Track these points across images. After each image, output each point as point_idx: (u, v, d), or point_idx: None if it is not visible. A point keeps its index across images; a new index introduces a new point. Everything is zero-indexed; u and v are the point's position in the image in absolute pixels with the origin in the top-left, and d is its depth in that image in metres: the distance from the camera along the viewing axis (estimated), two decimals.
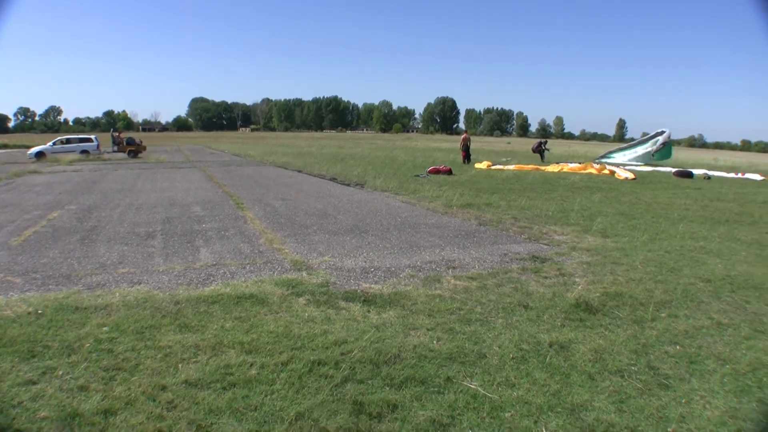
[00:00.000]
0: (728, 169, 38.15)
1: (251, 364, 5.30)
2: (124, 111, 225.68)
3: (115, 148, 46.73)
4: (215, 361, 5.36)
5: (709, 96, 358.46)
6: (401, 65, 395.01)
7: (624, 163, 40.39)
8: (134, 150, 45.52)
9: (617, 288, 8.02)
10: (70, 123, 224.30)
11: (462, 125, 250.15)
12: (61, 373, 5.07)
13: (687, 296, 7.75)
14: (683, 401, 4.76)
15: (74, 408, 4.43)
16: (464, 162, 36.27)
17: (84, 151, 44.33)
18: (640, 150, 41.83)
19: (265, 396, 4.69)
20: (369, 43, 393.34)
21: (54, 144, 45.47)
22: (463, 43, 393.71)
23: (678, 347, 5.96)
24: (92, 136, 48.88)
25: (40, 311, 6.67)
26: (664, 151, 40.42)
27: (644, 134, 41.72)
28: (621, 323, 6.66)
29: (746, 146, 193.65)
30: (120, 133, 51.59)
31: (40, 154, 42.35)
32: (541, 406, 4.60)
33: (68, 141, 46.81)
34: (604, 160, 40.97)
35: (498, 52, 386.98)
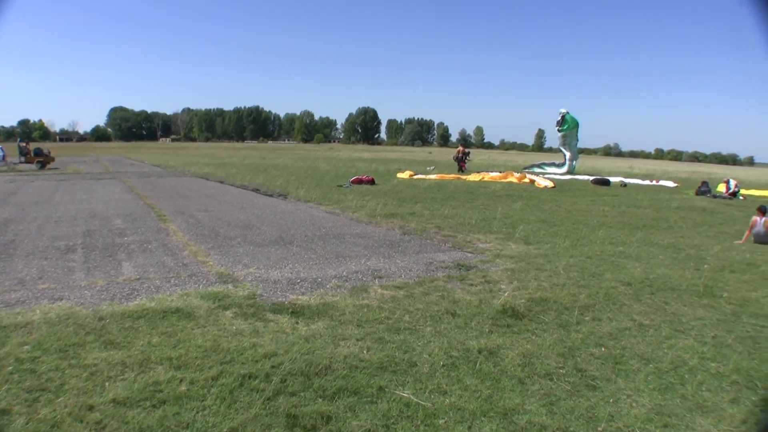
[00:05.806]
0: (643, 177, 39.91)
1: (181, 380, 5.12)
2: (40, 120, 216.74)
3: (23, 159, 44.72)
4: (143, 378, 5.15)
5: (624, 106, 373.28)
6: (323, 75, 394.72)
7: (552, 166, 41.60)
8: (42, 161, 43.74)
9: (542, 293, 8.18)
10: None
11: (384, 135, 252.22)
12: None
13: (609, 299, 7.99)
14: (611, 401, 4.87)
15: None
16: (460, 171, 38.52)
17: None
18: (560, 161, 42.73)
19: (197, 412, 4.53)
20: (290, 52, 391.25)
21: None
22: (384, 54, 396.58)
23: (603, 349, 6.12)
24: None
25: None
26: (568, 121, 40.96)
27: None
28: (547, 328, 6.79)
29: (659, 155, 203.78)
30: (28, 143, 49.49)
31: None
32: (474, 412, 4.62)
33: None
34: (536, 170, 41.69)
35: (418, 62, 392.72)
